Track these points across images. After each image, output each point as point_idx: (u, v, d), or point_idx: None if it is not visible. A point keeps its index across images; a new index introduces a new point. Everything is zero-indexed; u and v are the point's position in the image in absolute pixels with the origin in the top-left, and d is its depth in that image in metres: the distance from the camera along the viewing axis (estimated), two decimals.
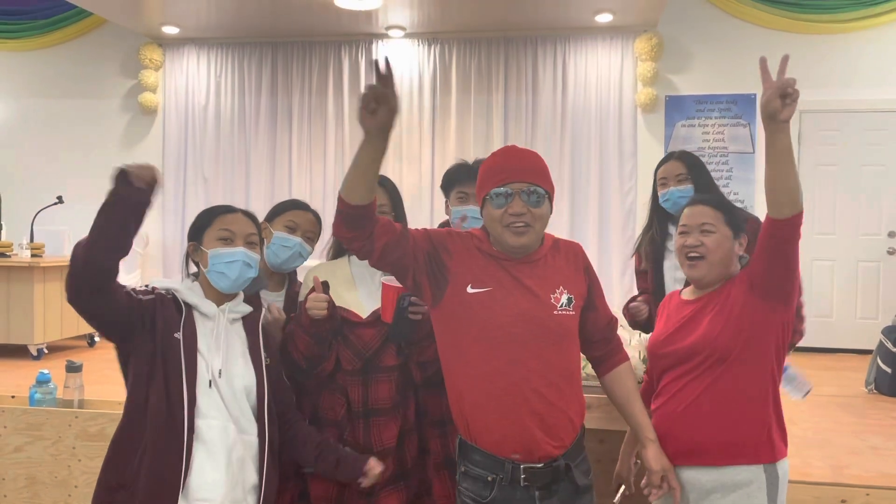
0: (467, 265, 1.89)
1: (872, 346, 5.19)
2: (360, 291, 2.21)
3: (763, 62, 1.86)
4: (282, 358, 2.12)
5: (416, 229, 1.92)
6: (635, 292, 3.07)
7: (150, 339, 1.87)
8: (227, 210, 2.05)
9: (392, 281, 2.07)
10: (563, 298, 1.90)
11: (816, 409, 4.25)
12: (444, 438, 2.23)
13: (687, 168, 2.87)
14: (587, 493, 1.93)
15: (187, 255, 2.06)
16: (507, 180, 1.86)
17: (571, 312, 1.91)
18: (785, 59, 1.84)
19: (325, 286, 2.09)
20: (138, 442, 1.83)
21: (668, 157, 2.97)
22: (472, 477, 1.88)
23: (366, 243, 1.81)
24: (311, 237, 2.41)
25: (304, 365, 2.15)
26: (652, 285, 2.90)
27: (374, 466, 2.05)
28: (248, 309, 2.04)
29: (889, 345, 4.88)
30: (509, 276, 1.88)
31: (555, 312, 1.88)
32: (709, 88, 6.73)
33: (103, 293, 1.80)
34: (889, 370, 4.81)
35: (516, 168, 1.88)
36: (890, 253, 6.49)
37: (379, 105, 1.70)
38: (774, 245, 1.89)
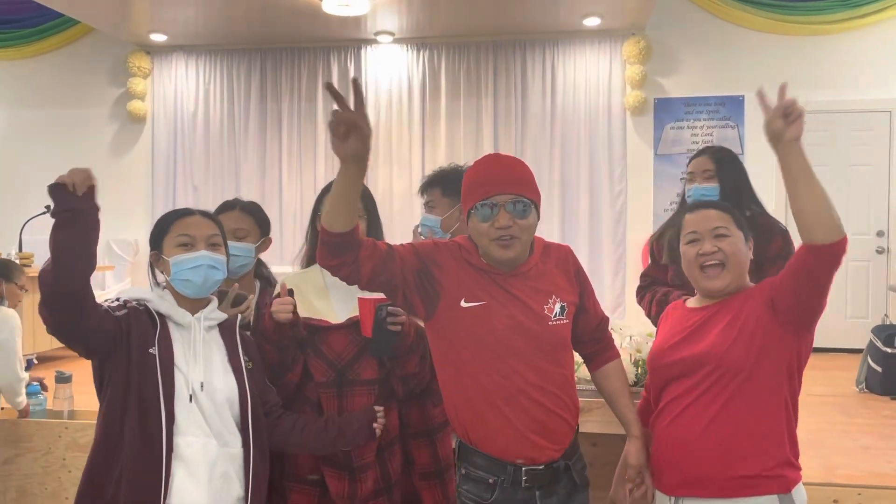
0: (459, 278, 1.88)
1: (863, 345, 5.21)
2: (334, 300, 2.17)
3: (760, 96, 1.73)
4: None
5: (402, 246, 1.90)
6: (628, 293, 3.03)
7: (125, 357, 1.80)
8: (184, 213, 1.97)
9: (368, 294, 2.06)
10: (557, 308, 1.89)
11: (807, 409, 4.24)
12: (433, 447, 2.21)
13: (716, 165, 2.71)
14: (584, 490, 1.96)
15: (151, 266, 1.98)
16: (492, 192, 1.84)
17: (565, 321, 1.92)
18: (783, 87, 1.74)
19: (290, 293, 2.05)
20: (114, 465, 1.77)
21: (701, 152, 2.81)
22: (473, 479, 1.89)
23: (352, 270, 1.78)
24: (242, 235, 2.34)
25: (267, 374, 2.10)
26: (678, 280, 2.80)
27: (380, 410, 2.02)
28: (223, 316, 1.98)
29: (879, 344, 4.90)
30: (502, 290, 1.87)
31: (549, 324, 1.88)
32: (697, 91, 6.76)
33: (83, 316, 1.72)
34: (879, 369, 4.83)
35: (500, 179, 1.86)
36: (879, 252, 6.53)
37: (350, 131, 1.64)
38: (807, 274, 1.75)
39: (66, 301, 1.70)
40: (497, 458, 1.86)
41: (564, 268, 1.98)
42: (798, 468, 1.86)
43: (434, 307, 1.87)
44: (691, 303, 2.03)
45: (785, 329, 1.83)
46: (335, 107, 1.65)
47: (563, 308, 1.90)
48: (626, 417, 2.00)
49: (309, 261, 2.33)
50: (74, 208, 1.68)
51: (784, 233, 2.63)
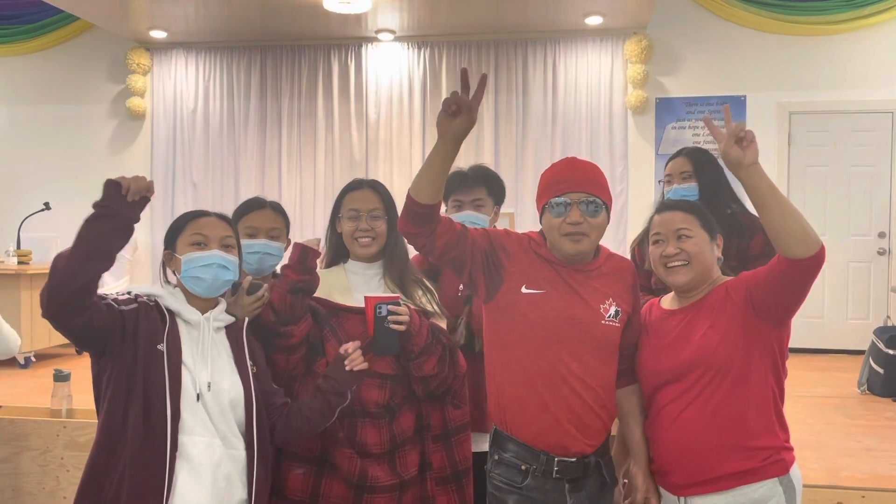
0: (524, 266, 1.96)
1: (864, 346, 5.20)
2: (357, 300, 2.16)
3: (707, 121, 1.82)
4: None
5: (475, 228, 2.00)
6: None
7: (131, 352, 1.79)
8: (200, 214, 1.99)
9: (378, 293, 2.08)
10: (612, 310, 1.97)
11: (810, 411, 4.25)
12: (449, 451, 2.19)
13: (693, 165, 2.75)
14: (612, 489, 2.03)
15: (163, 264, 1.99)
16: (567, 190, 1.94)
17: (617, 324, 1.98)
18: (727, 109, 1.82)
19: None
20: (116, 463, 1.75)
21: (677, 154, 2.85)
22: (505, 464, 1.96)
23: (428, 240, 1.88)
24: (276, 235, 2.34)
25: (271, 317, 2.06)
26: (660, 287, 2.82)
27: (348, 346, 1.98)
28: (231, 318, 1.98)
29: (881, 345, 4.88)
30: (563, 282, 1.95)
31: (602, 322, 1.95)
32: (699, 90, 6.74)
33: (83, 308, 1.72)
34: (881, 370, 4.81)
35: (576, 179, 1.96)
36: (880, 253, 6.51)
37: (460, 111, 1.75)
38: (787, 282, 1.80)
39: (73, 290, 1.69)
40: (530, 446, 1.92)
41: (624, 279, 2.04)
42: (791, 449, 1.95)
43: (496, 290, 1.96)
44: (666, 303, 2.09)
45: (765, 324, 1.89)
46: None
47: (617, 312, 1.97)
48: (635, 440, 2.06)
49: (331, 262, 2.32)
50: (114, 208, 1.71)
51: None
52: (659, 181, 2.94)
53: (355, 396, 2.08)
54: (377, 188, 2.27)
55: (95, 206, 1.71)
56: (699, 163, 2.76)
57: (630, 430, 2.06)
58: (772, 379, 1.92)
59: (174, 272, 1.96)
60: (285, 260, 2.18)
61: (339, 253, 2.30)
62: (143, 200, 1.75)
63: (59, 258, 1.69)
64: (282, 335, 2.05)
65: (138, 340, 1.80)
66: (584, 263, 1.98)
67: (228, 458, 1.84)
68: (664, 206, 2.08)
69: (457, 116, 1.76)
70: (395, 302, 2.04)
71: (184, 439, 1.78)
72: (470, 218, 2.51)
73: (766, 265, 1.87)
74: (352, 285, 2.19)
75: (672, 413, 1.94)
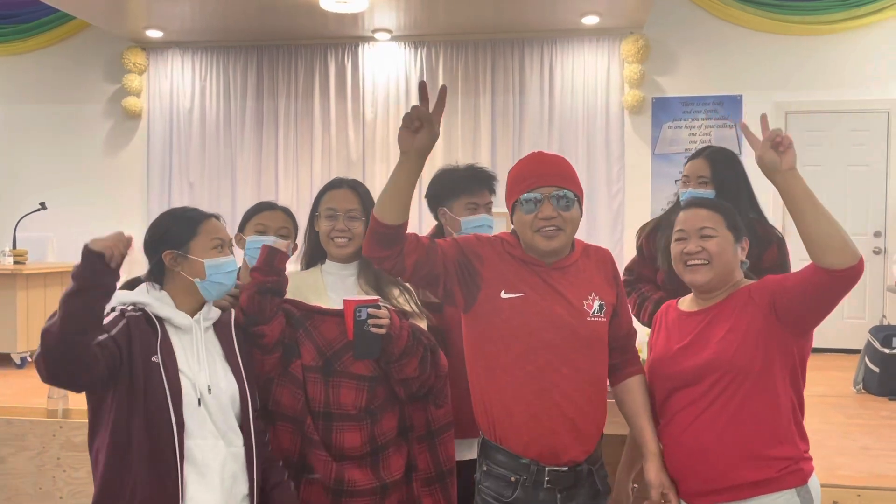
0: (500, 270, 1.90)
1: (859, 345, 5.22)
2: (333, 302, 2.13)
3: (744, 127, 1.79)
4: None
5: (443, 239, 1.94)
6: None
7: (128, 371, 1.76)
8: (210, 216, 1.96)
9: (356, 296, 2.05)
10: (595, 305, 1.92)
11: (806, 409, 4.25)
12: (433, 452, 2.16)
13: (712, 170, 2.60)
14: (605, 497, 1.97)
15: (156, 266, 1.91)
16: (537, 185, 1.87)
17: (603, 319, 1.93)
18: (764, 118, 1.80)
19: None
20: (126, 478, 1.75)
21: (699, 153, 2.68)
22: (494, 476, 1.90)
23: (397, 262, 1.82)
24: (285, 234, 2.36)
25: (241, 319, 2.02)
26: (669, 285, 2.72)
27: None
28: (218, 313, 1.96)
29: (877, 344, 4.90)
30: (543, 282, 1.90)
31: (587, 319, 1.90)
32: (695, 90, 6.75)
33: (82, 370, 1.67)
34: (877, 369, 4.82)
35: (545, 173, 1.90)
36: (876, 253, 6.52)
37: (422, 125, 1.70)
38: (821, 292, 1.75)
39: (68, 359, 1.65)
40: (520, 457, 1.86)
41: (604, 270, 2.00)
42: (810, 459, 1.88)
43: (474, 298, 1.90)
44: (684, 305, 2.02)
45: (787, 331, 1.83)
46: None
47: (601, 306, 1.92)
48: (644, 435, 1.97)
49: (308, 262, 2.30)
50: (95, 281, 1.63)
51: (780, 241, 2.56)
52: (676, 180, 2.82)
53: (333, 399, 2.05)
54: (357, 188, 2.24)
55: (75, 277, 1.62)
56: (718, 165, 2.62)
57: (637, 427, 1.98)
58: (791, 388, 1.86)
59: (182, 272, 1.88)
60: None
61: (316, 252, 2.28)
62: (123, 258, 1.68)
63: (49, 335, 1.63)
64: (254, 335, 2.03)
65: (133, 358, 1.77)
66: (560, 259, 1.92)
67: (230, 456, 1.85)
68: (690, 202, 2.01)
69: (419, 131, 1.70)
70: (375, 305, 2.00)
71: (189, 444, 1.78)
72: (487, 221, 2.49)
73: (797, 273, 1.81)
74: (326, 286, 2.17)
75: (687, 418, 1.88)
